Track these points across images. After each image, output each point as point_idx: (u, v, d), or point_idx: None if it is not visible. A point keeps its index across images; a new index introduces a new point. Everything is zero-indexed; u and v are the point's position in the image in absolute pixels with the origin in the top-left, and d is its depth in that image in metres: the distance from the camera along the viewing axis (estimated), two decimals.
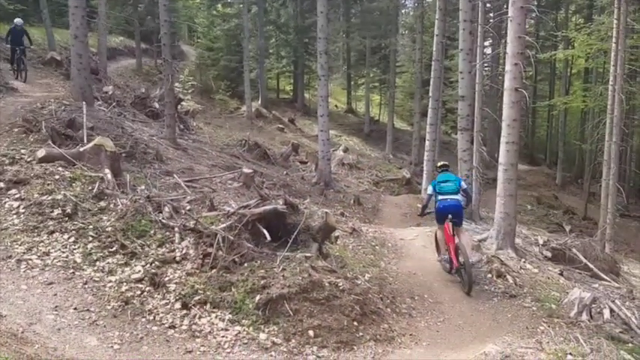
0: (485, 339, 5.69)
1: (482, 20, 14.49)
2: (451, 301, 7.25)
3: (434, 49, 16.74)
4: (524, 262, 9.29)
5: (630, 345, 6.16)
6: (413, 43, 30.16)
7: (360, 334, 5.66)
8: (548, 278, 8.66)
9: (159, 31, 13.56)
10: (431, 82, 16.68)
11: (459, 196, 7.83)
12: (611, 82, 15.58)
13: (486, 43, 25.09)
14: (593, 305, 7.23)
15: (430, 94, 16.57)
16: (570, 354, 4.87)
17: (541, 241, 11.17)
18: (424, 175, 16.67)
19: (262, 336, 5.22)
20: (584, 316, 6.78)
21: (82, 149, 8.29)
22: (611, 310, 7.29)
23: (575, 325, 6.32)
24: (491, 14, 21.80)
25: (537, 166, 33.15)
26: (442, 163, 8.52)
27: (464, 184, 8.15)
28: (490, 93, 24.76)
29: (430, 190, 8.12)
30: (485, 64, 24.36)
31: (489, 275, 8.11)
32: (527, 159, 33.85)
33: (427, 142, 16.40)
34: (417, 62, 25.58)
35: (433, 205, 8.03)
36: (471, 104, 13.64)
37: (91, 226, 6.34)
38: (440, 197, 7.84)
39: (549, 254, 10.42)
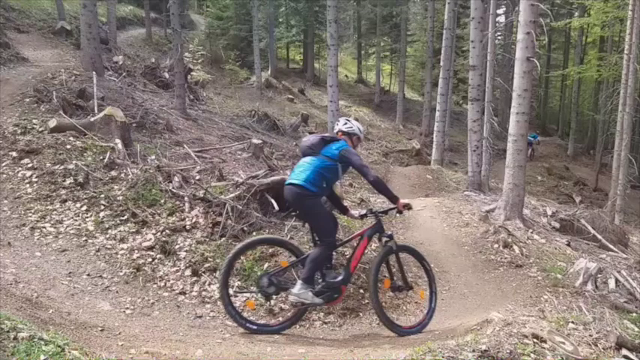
0: (489, 307, 5.78)
1: None
2: (457, 270, 7.34)
3: (445, 17, 16.46)
4: (532, 232, 9.32)
5: (634, 315, 6.21)
6: (425, 11, 29.62)
7: (366, 301, 5.78)
8: (555, 249, 8.69)
9: (168, 0, 13.46)
10: (442, 52, 16.47)
11: None
12: (626, 51, 15.28)
13: (500, 11, 24.65)
14: (599, 275, 7.26)
15: (441, 63, 16.38)
16: (572, 322, 4.93)
17: (549, 212, 11.15)
18: (434, 146, 16.61)
19: (271, 302, 5.34)
20: (589, 286, 6.84)
21: (92, 119, 8.38)
22: (617, 281, 7.32)
23: (579, 295, 6.38)
24: None
25: (549, 137, 32.83)
26: None
27: None
28: (502, 62, 24.38)
29: None
30: (498, 33, 23.93)
31: (496, 245, 8.16)
32: (539, 129, 33.51)
33: (437, 113, 16.30)
34: (428, 31, 25.14)
35: None
36: (482, 74, 13.46)
37: (102, 195, 6.46)
38: None
39: (557, 225, 10.42)
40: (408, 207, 5.02)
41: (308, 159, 4.83)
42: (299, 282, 4.74)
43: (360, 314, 5.60)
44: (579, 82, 28.80)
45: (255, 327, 4.73)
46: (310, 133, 19.18)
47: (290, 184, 4.77)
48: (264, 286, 4.80)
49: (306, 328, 5.16)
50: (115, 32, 20.22)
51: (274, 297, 5.07)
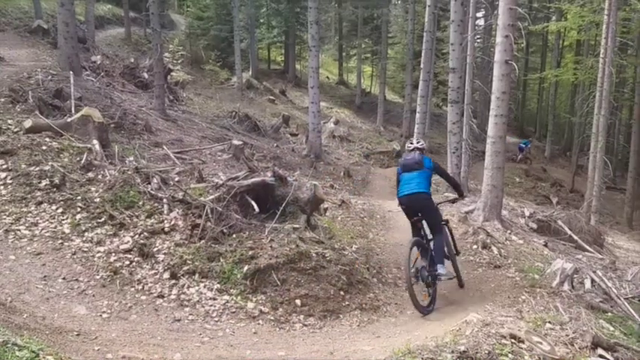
0: (468, 308, 5.83)
1: None
2: None
3: (426, 19, 16.60)
4: (510, 233, 9.44)
5: (610, 314, 6.33)
6: (405, 13, 29.84)
7: (346, 303, 5.80)
8: (533, 249, 8.82)
9: None
10: (422, 54, 16.57)
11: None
12: (601, 55, 15.56)
13: (479, 15, 24.92)
14: (575, 275, 7.39)
15: (422, 65, 16.49)
16: (549, 322, 5.01)
17: (527, 213, 11.31)
18: None
19: (250, 305, 5.32)
20: (566, 286, 6.94)
21: (69, 120, 8.24)
22: (592, 281, 7.46)
23: (556, 295, 6.47)
24: None
25: (527, 138, 33.29)
26: None
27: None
28: (482, 65, 24.71)
29: None
30: (477, 36, 24.23)
31: (475, 246, 8.25)
32: (517, 131, 34.00)
33: (418, 115, 16.39)
34: (409, 33, 25.32)
35: None
36: (461, 76, 13.61)
37: (79, 197, 6.35)
38: None
39: (535, 226, 10.58)
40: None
41: (416, 173, 6.13)
42: (439, 265, 6.00)
43: (341, 316, 5.61)
44: (556, 85, 29.29)
45: (426, 311, 5.79)
46: (291, 134, 19.17)
47: (415, 193, 6.04)
48: (425, 277, 5.95)
49: (286, 330, 5.14)
50: (93, 31, 19.92)
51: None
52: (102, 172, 7.00)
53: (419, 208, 6.14)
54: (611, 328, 5.63)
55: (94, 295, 5.01)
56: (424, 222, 6.26)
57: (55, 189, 6.43)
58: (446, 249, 6.42)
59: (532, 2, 31.31)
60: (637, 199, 21.46)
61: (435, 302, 6.04)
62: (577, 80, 24.13)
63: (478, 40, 25.53)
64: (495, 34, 10.03)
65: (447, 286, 6.92)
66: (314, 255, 6.05)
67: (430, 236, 6.28)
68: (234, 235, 6.18)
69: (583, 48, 27.64)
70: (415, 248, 6.02)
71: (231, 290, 5.46)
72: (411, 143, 6.57)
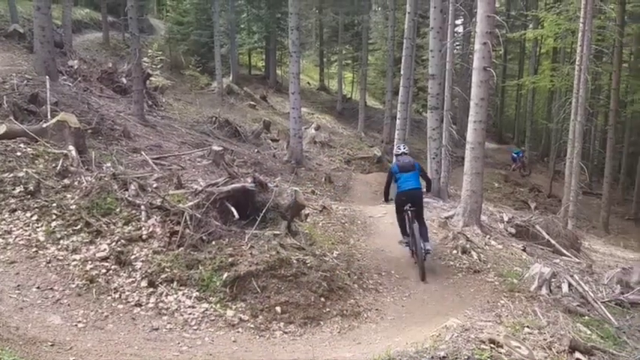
0: (448, 313, 5.85)
1: None
2: (417, 276, 7.40)
3: (405, 26, 16.70)
4: (489, 238, 9.52)
5: (586, 318, 6.42)
6: (385, 20, 30.00)
7: (327, 309, 5.77)
8: (512, 254, 8.91)
9: (126, 3, 13.17)
10: (402, 61, 16.68)
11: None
12: (577, 62, 15.85)
13: (458, 22, 25.14)
14: (553, 280, 7.48)
15: (402, 72, 16.59)
16: (527, 326, 5.05)
17: (506, 218, 11.43)
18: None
19: (229, 313, 5.27)
20: (544, 291, 7.02)
21: (44, 125, 8.08)
22: (570, 285, 7.56)
23: (534, 299, 6.54)
24: None
25: (505, 145, 33.75)
26: None
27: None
28: (461, 72, 24.91)
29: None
30: (457, 43, 24.47)
31: (455, 251, 8.30)
32: (496, 137, 34.43)
33: (398, 121, 16.47)
34: (389, 40, 25.46)
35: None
36: (441, 83, 13.71)
37: (54, 204, 6.22)
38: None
39: (514, 231, 10.69)
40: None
41: (412, 173, 7.74)
42: (426, 243, 7.51)
43: (321, 322, 5.58)
44: (534, 91, 29.75)
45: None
46: (272, 140, 19.12)
47: (414, 188, 7.66)
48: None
49: (266, 338, 5.10)
50: (70, 36, 19.63)
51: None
52: (78, 178, 6.87)
53: (415, 200, 7.66)
54: (588, 332, 5.70)
55: (69, 305, 4.90)
56: (412, 211, 7.60)
57: (29, 196, 6.29)
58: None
59: (510, 10, 31.84)
60: (613, 204, 21.89)
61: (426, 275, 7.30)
62: (554, 87, 24.55)
63: (457, 47, 25.73)
64: (474, 41, 10.14)
65: (426, 290, 6.95)
66: (295, 261, 6.02)
67: (415, 222, 7.58)
68: (213, 242, 6.12)
69: (559, 55, 28.14)
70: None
71: (211, 298, 5.39)
72: (399, 149, 8.24)
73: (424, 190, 8.18)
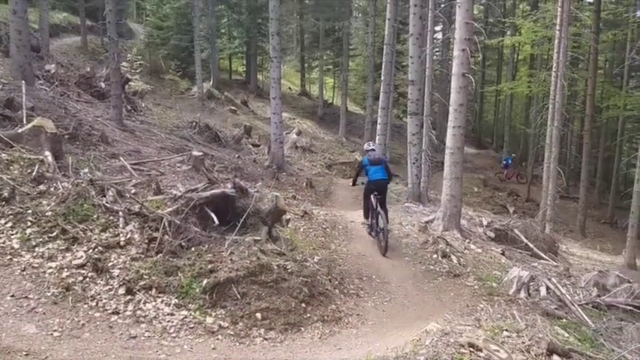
0: (429, 317, 5.88)
1: (433, 5, 14.65)
2: (398, 281, 7.44)
3: (386, 32, 16.84)
4: (469, 242, 9.61)
5: (564, 320, 6.51)
6: (366, 26, 30.20)
7: (308, 315, 5.75)
8: (491, 258, 9.00)
9: (104, 7, 13.02)
10: (383, 66, 16.79)
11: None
12: (554, 69, 16.15)
13: (437, 28, 25.44)
14: (531, 283, 7.57)
15: (382, 77, 16.70)
16: (506, 330, 5.10)
17: (485, 222, 11.55)
18: None
19: (209, 320, 5.21)
20: (522, 294, 7.11)
21: (20, 130, 7.92)
22: (548, 288, 7.66)
23: (513, 303, 6.61)
24: None
25: (484, 150, 34.13)
26: None
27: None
28: (440, 78, 25.21)
29: None
30: (436, 49, 24.75)
31: (435, 256, 8.36)
32: (475, 142, 34.80)
33: (379, 126, 16.58)
34: (369, 46, 25.63)
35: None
36: (420, 89, 13.84)
37: (29, 211, 6.09)
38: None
39: (493, 235, 10.81)
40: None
41: (380, 166, 9.07)
42: (387, 224, 8.63)
43: (302, 329, 5.56)
44: (512, 97, 30.20)
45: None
46: (253, 145, 19.05)
47: (382, 179, 9.00)
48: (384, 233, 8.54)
49: (246, 345, 5.05)
50: (47, 40, 19.32)
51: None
52: (54, 184, 6.74)
53: (382, 189, 9.06)
54: (566, 335, 5.77)
55: (44, 313, 4.80)
56: (378, 198, 8.91)
57: (3, 202, 6.15)
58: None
59: (488, 17, 32.30)
60: (589, 208, 22.26)
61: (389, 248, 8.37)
62: (531, 93, 24.96)
63: (437, 54, 26.06)
64: (453, 47, 10.26)
65: (407, 294, 6.98)
66: (275, 267, 5.99)
67: (379, 207, 8.77)
68: (192, 249, 6.06)
69: (537, 62, 28.63)
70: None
71: (190, 305, 5.33)
72: (369, 145, 9.61)
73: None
